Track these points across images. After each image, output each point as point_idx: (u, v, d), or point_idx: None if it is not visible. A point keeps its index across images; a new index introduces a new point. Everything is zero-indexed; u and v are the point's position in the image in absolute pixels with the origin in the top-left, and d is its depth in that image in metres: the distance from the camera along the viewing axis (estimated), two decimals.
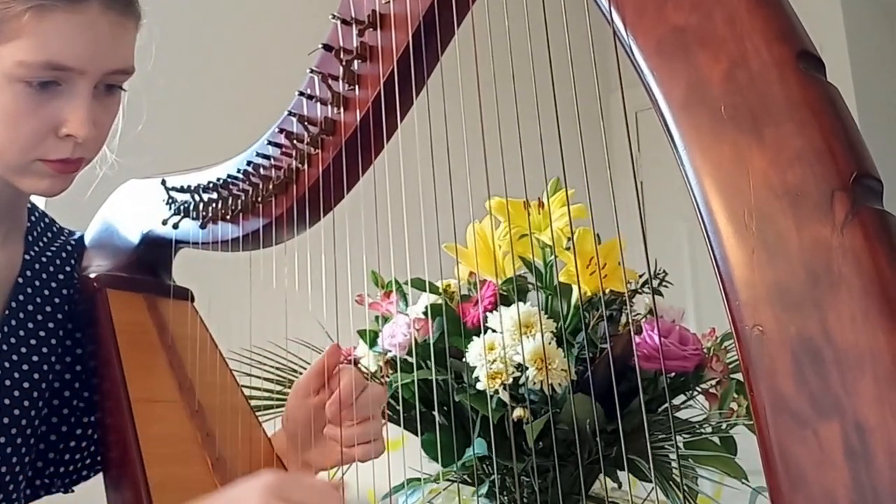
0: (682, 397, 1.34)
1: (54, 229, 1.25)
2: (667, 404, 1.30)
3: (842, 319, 0.56)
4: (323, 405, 1.09)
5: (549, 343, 1.21)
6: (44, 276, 1.17)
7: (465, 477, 1.33)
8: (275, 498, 0.86)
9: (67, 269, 1.22)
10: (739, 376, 1.31)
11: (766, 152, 0.60)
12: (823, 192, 0.57)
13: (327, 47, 1.02)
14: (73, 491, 1.23)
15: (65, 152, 1.02)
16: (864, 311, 0.55)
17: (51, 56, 0.97)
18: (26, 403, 1.10)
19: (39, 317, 1.14)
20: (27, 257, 1.16)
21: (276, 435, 1.19)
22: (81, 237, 1.29)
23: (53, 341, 1.15)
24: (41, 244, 1.20)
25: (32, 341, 1.12)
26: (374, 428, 1.09)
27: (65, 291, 1.19)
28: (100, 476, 1.18)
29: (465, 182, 0.90)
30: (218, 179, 1.17)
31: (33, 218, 1.21)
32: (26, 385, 1.10)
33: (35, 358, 1.12)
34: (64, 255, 1.22)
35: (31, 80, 0.98)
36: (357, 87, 1.01)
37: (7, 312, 1.11)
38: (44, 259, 1.19)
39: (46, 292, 1.17)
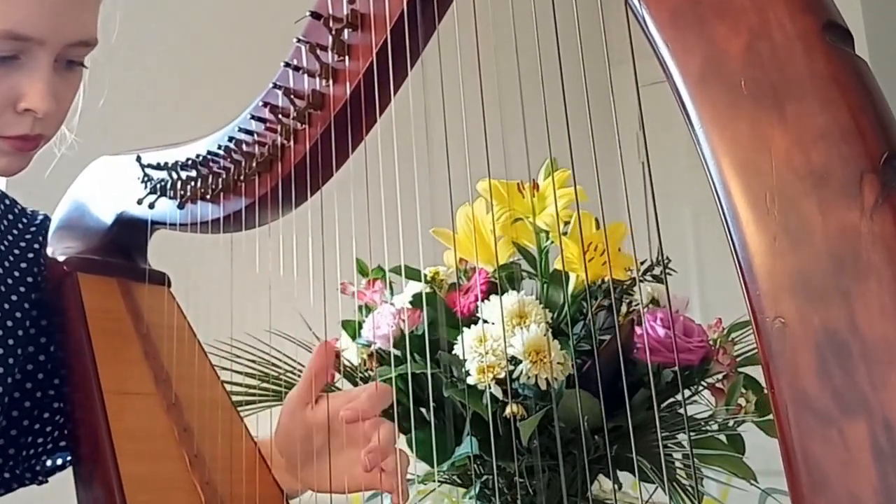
0: (686, 392, 1.33)
1: (15, 211, 1.24)
2: (671, 399, 1.30)
3: (870, 311, 0.55)
4: (322, 422, 1.05)
5: (545, 335, 1.21)
6: (6, 263, 1.16)
7: (456, 477, 1.32)
8: None
9: (30, 255, 1.20)
10: (748, 370, 1.31)
11: (789, 131, 0.59)
12: (851, 174, 0.56)
13: (315, 15, 1.00)
14: (46, 481, 1.22)
15: (24, 128, 1.01)
16: (894, 301, 0.54)
17: (10, 25, 0.96)
18: None
19: (6, 305, 1.13)
20: None
21: (262, 442, 1.16)
22: (46, 218, 1.28)
23: (20, 332, 1.13)
24: (0, 230, 1.19)
25: None
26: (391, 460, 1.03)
27: (30, 279, 1.18)
28: (70, 472, 1.17)
29: (463, 161, 0.89)
30: (197, 156, 1.16)
31: None
32: None
33: (0, 351, 1.10)
34: (24, 242, 1.21)
35: None
36: (347, 57, 1.00)
37: None
38: (3, 246, 1.18)
39: (10, 281, 1.15)
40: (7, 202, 1.23)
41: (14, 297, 1.15)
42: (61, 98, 1.04)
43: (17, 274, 1.17)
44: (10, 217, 1.22)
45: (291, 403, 1.10)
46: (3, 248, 1.17)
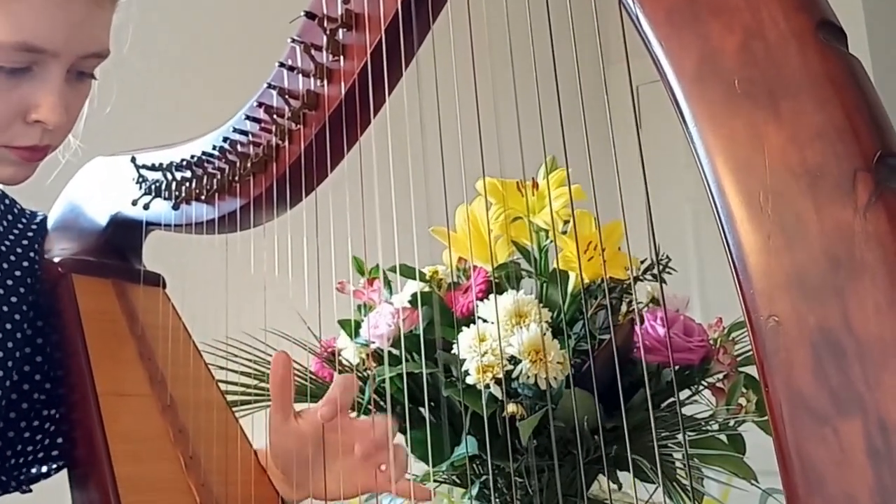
0: (686, 392, 1.33)
1: (15, 211, 1.23)
2: (671, 399, 1.30)
3: (865, 309, 0.54)
4: (312, 431, 1.06)
5: (545, 333, 1.21)
6: (5, 265, 1.16)
7: (455, 477, 1.32)
8: None
9: (31, 254, 1.20)
10: (748, 370, 1.31)
11: (783, 129, 0.59)
12: (845, 172, 0.56)
13: (310, 15, 1.00)
14: (30, 490, 1.22)
15: (33, 139, 1.01)
16: (888, 299, 0.54)
17: (25, 37, 0.96)
18: None
19: (4, 308, 1.13)
20: None
21: (259, 453, 1.15)
22: (45, 218, 1.28)
23: (19, 335, 1.13)
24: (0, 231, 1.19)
25: None
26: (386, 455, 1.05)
27: (29, 280, 1.18)
28: (63, 474, 1.17)
29: (459, 161, 0.89)
30: (192, 157, 1.16)
31: None
32: None
33: (0, 354, 1.10)
34: (26, 240, 1.21)
35: (2, 65, 0.96)
36: (342, 57, 1.00)
37: None
38: (3, 247, 1.17)
39: (10, 283, 1.15)
40: (7, 202, 1.23)
41: (14, 300, 1.14)
42: (71, 109, 1.03)
43: (17, 274, 1.17)
44: (10, 217, 1.22)
45: (273, 421, 1.10)
46: (3, 249, 1.17)
